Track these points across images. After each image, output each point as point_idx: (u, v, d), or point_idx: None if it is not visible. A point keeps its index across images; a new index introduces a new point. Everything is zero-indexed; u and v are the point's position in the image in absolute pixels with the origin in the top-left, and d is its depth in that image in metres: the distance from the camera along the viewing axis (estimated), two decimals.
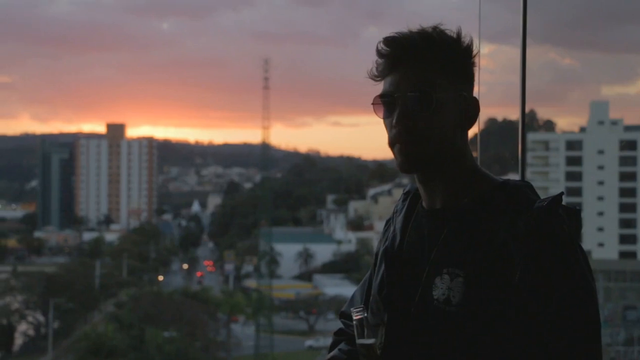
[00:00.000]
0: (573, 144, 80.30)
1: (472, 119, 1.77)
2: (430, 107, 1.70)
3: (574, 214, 1.70)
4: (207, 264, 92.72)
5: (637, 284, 60.67)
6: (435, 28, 1.74)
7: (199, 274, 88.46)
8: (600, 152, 77.19)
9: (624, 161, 77.37)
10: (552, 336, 1.60)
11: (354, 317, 1.80)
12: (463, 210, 1.72)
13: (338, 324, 2.01)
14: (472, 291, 1.65)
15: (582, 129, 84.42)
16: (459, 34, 1.75)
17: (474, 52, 1.76)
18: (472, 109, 1.76)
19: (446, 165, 1.74)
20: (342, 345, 1.98)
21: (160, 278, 73.65)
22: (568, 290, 1.63)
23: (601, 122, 78.67)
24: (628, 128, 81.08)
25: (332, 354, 1.97)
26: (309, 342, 53.74)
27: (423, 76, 1.72)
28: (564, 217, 1.66)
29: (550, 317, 1.61)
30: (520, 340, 1.61)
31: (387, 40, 1.74)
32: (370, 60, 1.80)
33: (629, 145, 75.26)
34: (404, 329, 1.74)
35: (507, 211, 1.67)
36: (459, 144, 1.75)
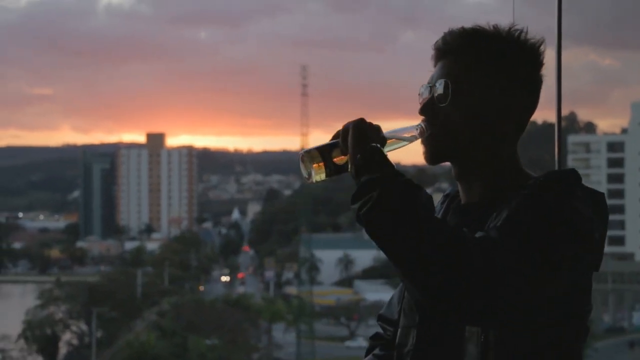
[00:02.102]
0: (614, 146, 79.32)
1: (511, 118, 1.71)
2: (446, 99, 1.67)
3: (598, 198, 1.63)
4: (241, 275, 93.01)
5: None
6: (495, 26, 1.71)
7: (240, 275, 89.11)
8: None
9: None
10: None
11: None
12: (488, 205, 1.67)
13: (379, 330, 1.99)
14: None
15: (624, 131, 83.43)
16: (518, 34, 1.70)
17: (537, 55, 1.71)
18: (512, 107, 1.70)
19: (477, 161, 1.71)
20: (377, 351, 1.94)
21: (201, 288, 73.94)
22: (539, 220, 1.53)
23: None
24: None
25: (366, 359, 1.94)
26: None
27: (453, 69, 1.69)
28: (578, 196, 1.59)
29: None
30: None
31: (442, 35, 1.74)
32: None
33: None
34: (435, 329, 1.69)
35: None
36: (493, 140, 1.70)
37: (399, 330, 1.80)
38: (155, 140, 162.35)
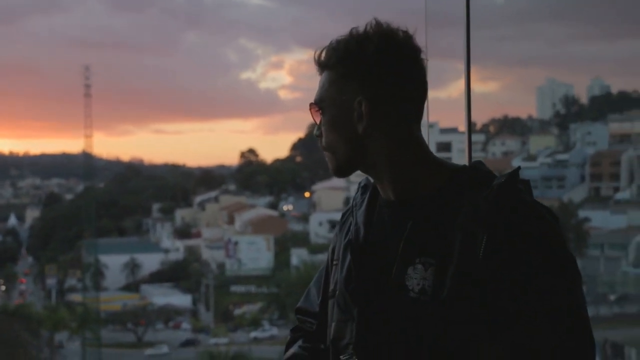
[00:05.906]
0: None
1: (400, 117, 1.68)
2: (325, 119, 1.70)
3: (528, 185, 1.67)
4: (27, 273, 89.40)
5: None
6: (356, 30, 1.68)
7: (22, 280, 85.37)
8: None
9: None
10: (531, 329, 1.53)
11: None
12: (424, 200, 1.67)
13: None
14: (445, 280, 1.59)
15: None
16: (383, 31, 1.68)
17: (406, 46, 1.69)
18: (397, 106, 1.68)
19: (380, 168, 1.70)
20: (300, 342, 1.90)
21: None
22: (544, 271, 1.55)
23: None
24: (443, 131, 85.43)
25: (292, 351, 1.89)
26: (150, 351, 52.25)
27: (327, 87, 1.70)
28: (524, 190, 1.64)
29: (527, 305, 1.54)
30: (498, 329, 1.56)
31: (316, 50, 1.73)
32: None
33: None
34: (376, 322, 1.67)
35: (467, 193, 1.64)
36: (388, 146, 1.67)
37: (334, 324, 1.75)
38: None
